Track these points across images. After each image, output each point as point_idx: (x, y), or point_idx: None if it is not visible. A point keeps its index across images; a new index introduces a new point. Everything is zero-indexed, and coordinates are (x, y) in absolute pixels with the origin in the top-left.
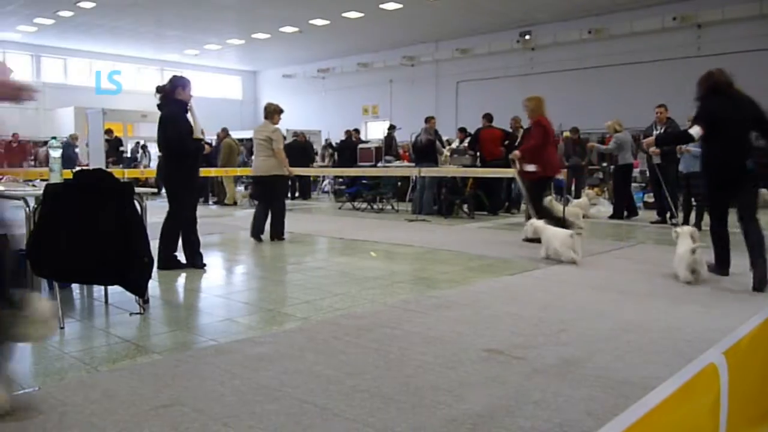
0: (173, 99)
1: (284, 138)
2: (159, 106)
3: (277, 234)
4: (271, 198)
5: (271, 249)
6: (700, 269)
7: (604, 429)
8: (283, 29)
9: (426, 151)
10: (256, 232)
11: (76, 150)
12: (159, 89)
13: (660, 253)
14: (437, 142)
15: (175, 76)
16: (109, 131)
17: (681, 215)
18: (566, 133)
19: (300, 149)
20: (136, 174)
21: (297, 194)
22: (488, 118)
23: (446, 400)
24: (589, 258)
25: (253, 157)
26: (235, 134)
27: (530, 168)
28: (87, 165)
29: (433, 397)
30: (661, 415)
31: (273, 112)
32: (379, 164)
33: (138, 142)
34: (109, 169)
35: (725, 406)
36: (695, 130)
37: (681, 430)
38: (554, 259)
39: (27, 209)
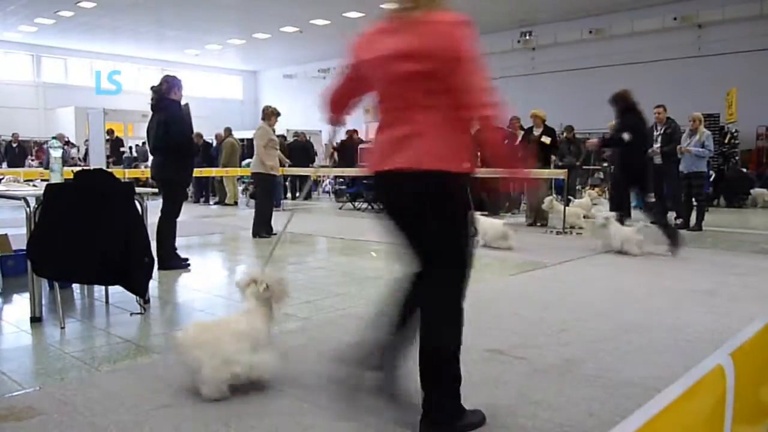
0: (170, 99)
1: (277, 137)
2: (153, 107)
3: (258, 231)
4: (256, 195)
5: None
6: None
7: (617, 428)
8: (283, 29)
9: None
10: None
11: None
12: (154, 89)
13: (660, 252)
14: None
15: (168, 76)
16: (110, 131)
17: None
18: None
19: (301, 149)
20: (137, 174)
21: (298, 194)
22: None
23: None
24: (589, 258)
25: None
26: (236, 134)
27: None
28: (77, 164)
29: None
30: (669, 416)
31: (270, 115)
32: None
33: (144, 143)
34: (109, 170)
35: (731, 407)
36: (626, 135)
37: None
38: (489, 246)
39: (27, 209)
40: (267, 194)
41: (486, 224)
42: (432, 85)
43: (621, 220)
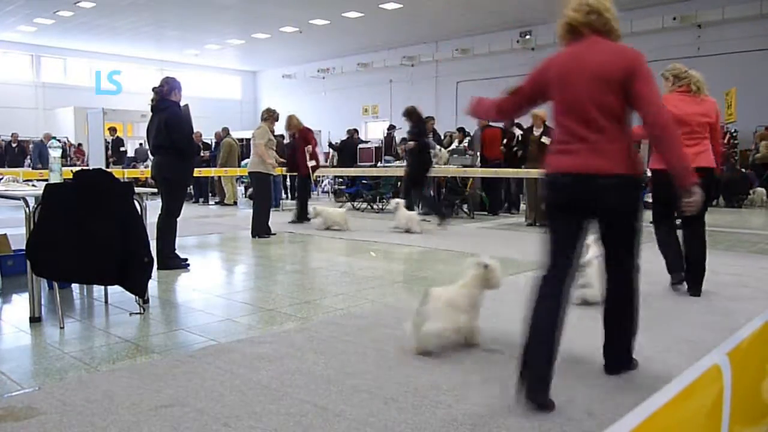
0: (170, 101)
1: (274, 138)
2: (154, 108)
3: (258, 231)
4: (253, 195)
5: (271, 249)
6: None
7: (613, 428)
8: (283, 29)
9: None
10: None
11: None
12: (155, 90)
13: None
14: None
15: (169, 78)
16: (112, 130)
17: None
18: None
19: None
20: (136, 174)
21: (297, 194)
22: None
23: (446, 399)
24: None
25: None
26: (234, 134)
27: (312, 163)
28: (76, 164)
29: (433, 396)
30: (665, 416)
31: (275, 119)
32: (379, 164)
33: (141, 143)
34: (109, 169)
35: (728, 407)
36: (410, 145)
37: (685, 431)
38: (332, 229)
39: (27, 209)
40: (266, 194)
41: (330, 211)
42: (710, 128)
43: (409, 206)
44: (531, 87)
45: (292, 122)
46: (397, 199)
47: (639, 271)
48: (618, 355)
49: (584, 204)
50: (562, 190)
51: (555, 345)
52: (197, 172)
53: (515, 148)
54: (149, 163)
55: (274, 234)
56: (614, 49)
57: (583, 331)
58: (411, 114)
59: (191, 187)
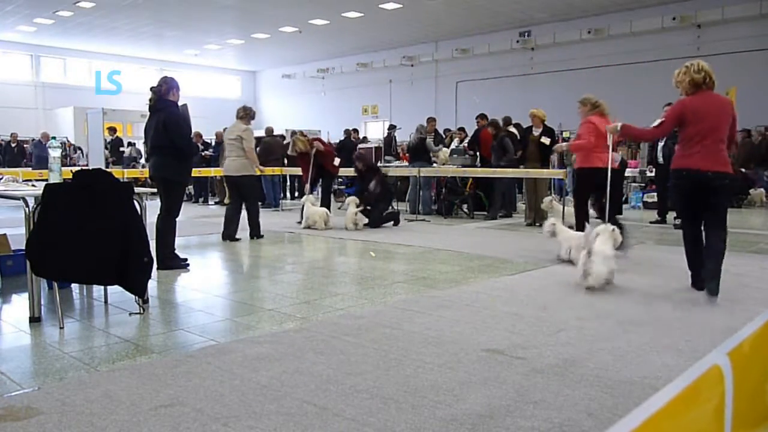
0: (169, 100)
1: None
2: (152, 108)
3: (256, 234)
4: (243, 198)
5: (270, 249)
6: None
7: (613, 429)
8: (282, 29)
9: (417, 150)
10: (229, 233)
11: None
12: (154, 90)
13: (660, 253)
14: (427, 141)
15: (167, 77)
16: (112, 130)
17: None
18: (566, 133)
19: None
20: (136, 174)
21: (297, 194)
22: (485, 118)
23: (446, 399)
24: None
25: (223, 158)
26: None
27: (337, 161)
28: (76, 164)
29: (432, 396)
30: (665, 417)
31: (246, 117)
32: (379, 164)
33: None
34: (109, 169)
35: (730, 408)
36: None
37: None
38: (312, 228)
39: (27, 209)
40: (257, 195)
41: (312, 210)
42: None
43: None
44: (672, 122)
45: (298, 143)
46: (350, 198)
47: (727, 233)
48: (712, 277)
49: (701, 187)
50: (688, 179)
51: (699, 259)
52: (197, 171)
53: (492, 145)
54: (143, 162)
55: (261, 236)
56: (722, 99)
57: (582, 334)
58: (361, 158)
59: (191, 186)
